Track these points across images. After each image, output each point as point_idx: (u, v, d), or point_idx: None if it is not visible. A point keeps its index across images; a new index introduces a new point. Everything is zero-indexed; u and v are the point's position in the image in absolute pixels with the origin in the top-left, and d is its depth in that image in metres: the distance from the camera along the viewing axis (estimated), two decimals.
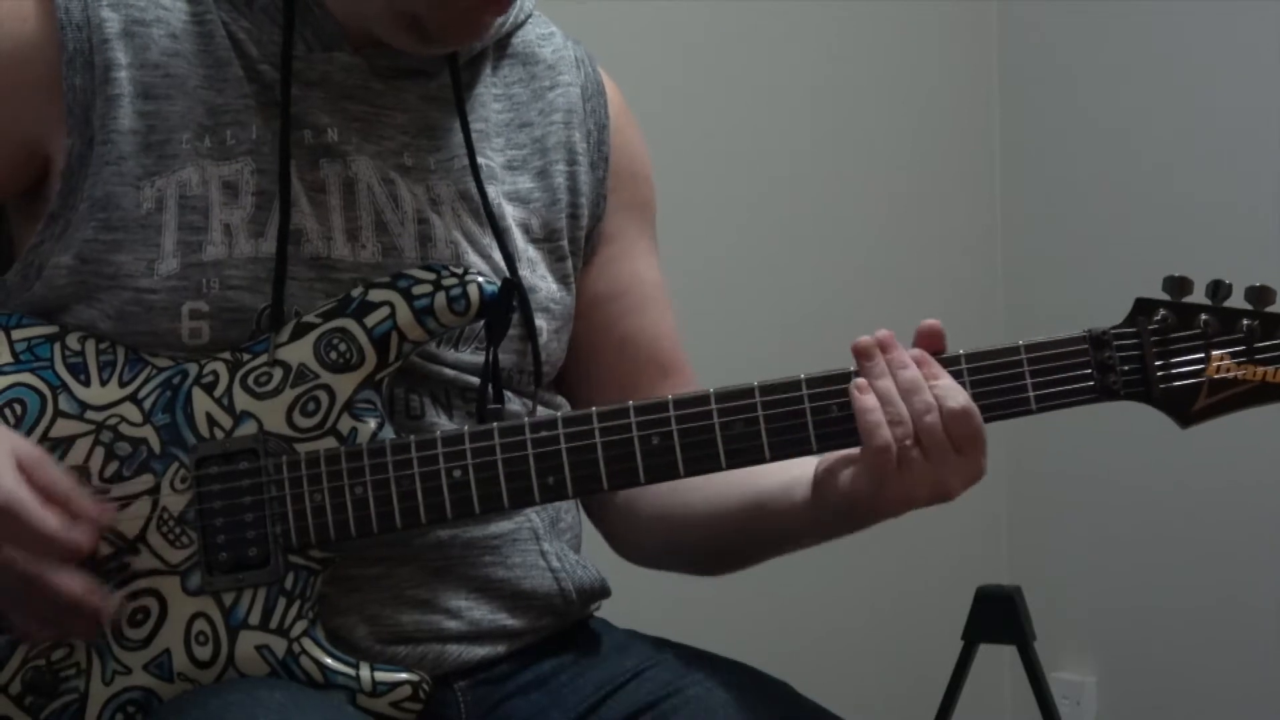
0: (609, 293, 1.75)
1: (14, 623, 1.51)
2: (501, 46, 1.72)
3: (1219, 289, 1.51)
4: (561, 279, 1.70)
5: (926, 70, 3.34)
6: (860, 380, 1.52)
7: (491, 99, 1.70)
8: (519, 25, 1.74)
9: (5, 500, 1.44)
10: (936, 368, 1.52)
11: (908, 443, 1.49)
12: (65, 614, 1.48)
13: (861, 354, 1.53)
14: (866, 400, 1.50)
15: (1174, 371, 1.52)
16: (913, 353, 1.53)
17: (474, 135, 1.66)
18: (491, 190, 1.65)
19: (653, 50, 2.96)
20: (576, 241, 1.72)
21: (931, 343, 1.55)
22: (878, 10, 3.26)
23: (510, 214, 1.68)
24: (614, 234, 1.76)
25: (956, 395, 1.51)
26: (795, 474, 1.59)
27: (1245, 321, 1.51)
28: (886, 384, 1.51)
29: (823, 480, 1.55)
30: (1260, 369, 1.51)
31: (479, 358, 1.63)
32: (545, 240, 1.70)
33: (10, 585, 1.47)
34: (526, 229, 1.69)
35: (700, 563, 1.77)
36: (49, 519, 1.45)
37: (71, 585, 1.47)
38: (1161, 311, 1.52)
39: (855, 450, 1.52)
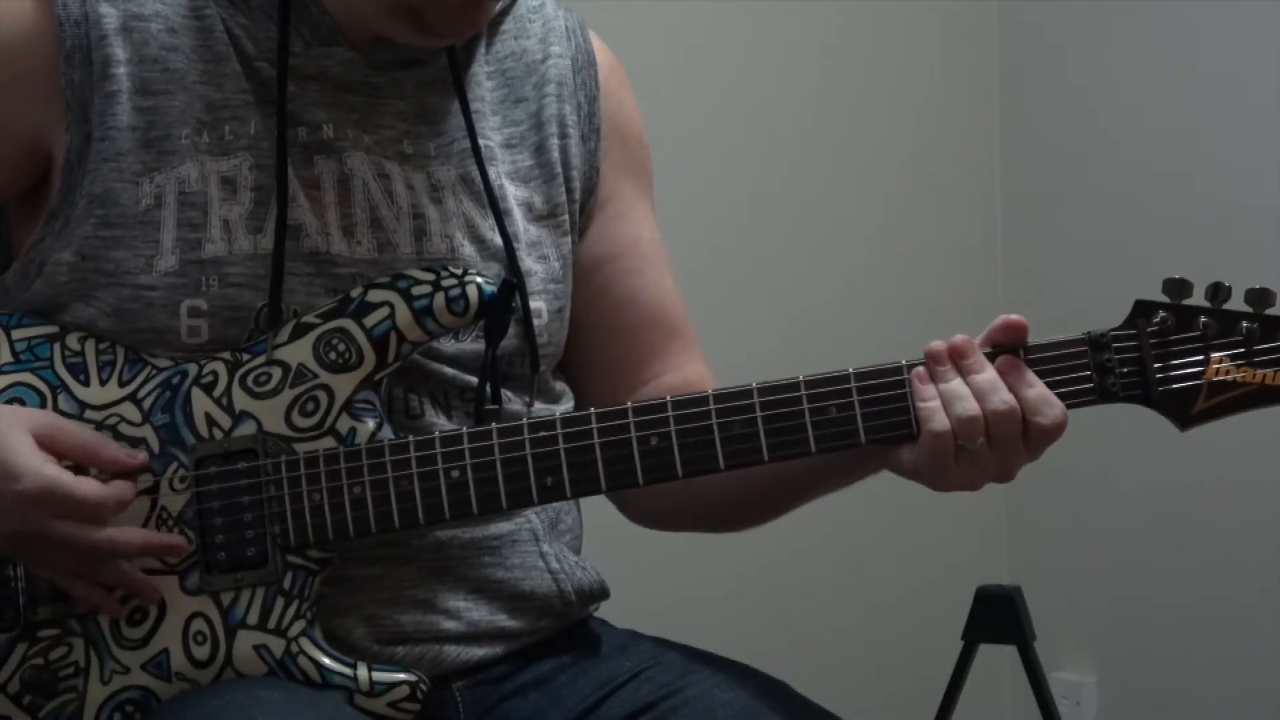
0: (607, 254, 1.75)
1: (83, 596, 1.53)
2: (494, 23, 1.72)
3: (1219, 291, 1.51)
4: (564, 256, 1.70)
5: (926, 70, 3.33)
6: (920, 370, 1.51)
7: (485, 77, 1.70)
8: (511, 1, 1.73)
9: (38, 484, 1.47)
10: (1027, 375, 1.51)
11: (980, 440, 1.48)
12: (130, 573, 1.52)
13: (932, 358, 1.51)
14: (924, 390, 1.50)
15: (1173, 374, 1.52)
16: (1003, 361, 1.51)
17: (472, 116, 1.66)
18: (492, 171, 1.66)
19: (652, 50, 2.95)
20: (573, 216, 1.72)
21: (1011, 335, 1.53)
22: (877, 10, 3.26)
23: (512, 194, 1.68)
24: (609, 196, 1.76)
25: (1052, 408, 1.49)
26: None
27: (1245, 324, 1.51)
28: (955, 385, 1.50)
29: (876, 459, 1.55)
30: (1260, 372, 1.51)
31: (479, 346, 1.63)
32: (549, 216, 1.70)
33: (72, 561, 1.50)
34: (529, 207, 1.69)
35: (725, 518, 1.76)
36: (87, 484, 1.49)
37: (133, 535, 1.51)
38: (1161, 314, 1.52)
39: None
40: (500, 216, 1.64)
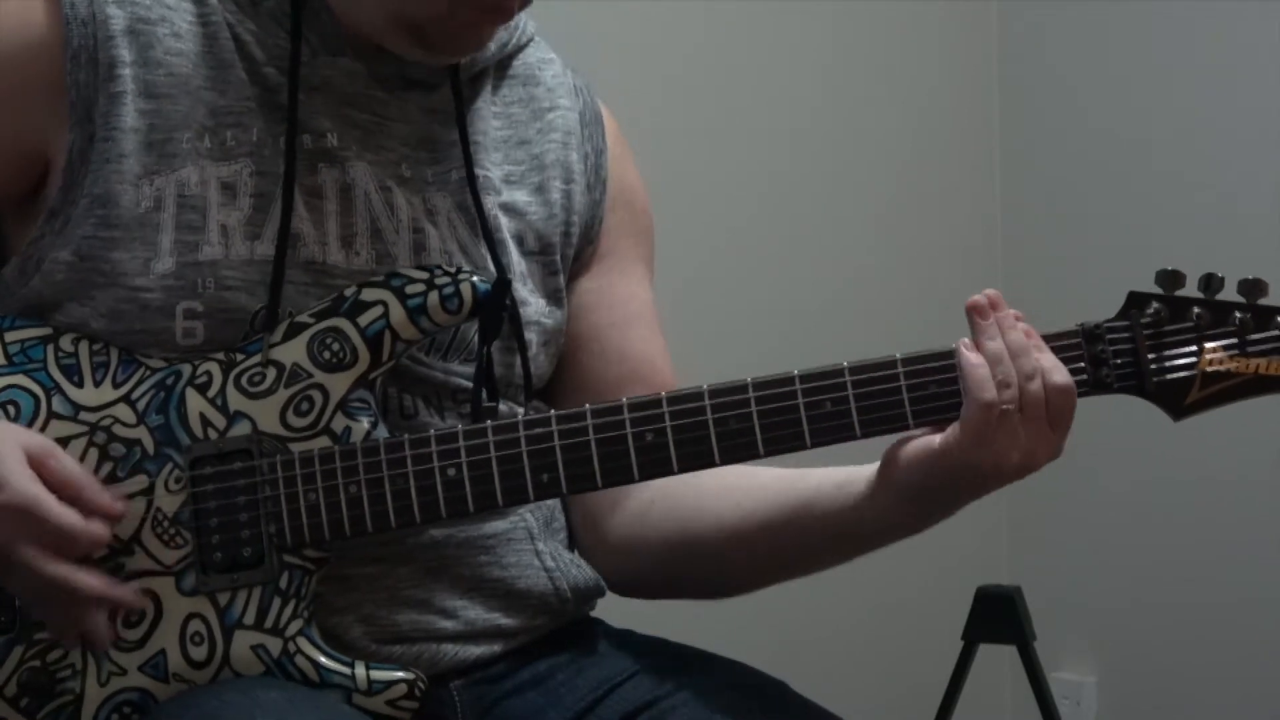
0: (597, 304, 1.75)
1: (44, 619, 1.52)
2: (502, 67, 1.73)
3: (1211, 282, 1.52)
4: (551, 294, 1.70)
5: (926, 70, 3.33)
6: (966, 339, 1.50)
7: (491, 116, 1.71)
8: (520, 48, 1.74)
9: (22, 500, 1.45)
10: (1039, 339, 1.52)
11: (1010, 406, 1.48)
12: (86, 613, 1.50)
13: (976, 311, 1.51)
14: (973, 357, 1.49)
15: (1167, 364, 1.52)
16: (1020, 323, 1.52)
17: (472, 148, 1.66)
18: (488, 201, 1.65)
19: (652, 49, 2.96)
20: (566, 259, 1.72)
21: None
22: (877, 10, 3.26)
23: (505, 225, 1.68)
24: (608, 251, 1.76)
25: (1061, 369, 1.50)
26: (848, 472, 1.58)
27: (1237, 314, 1.51)
28: (997, 345, 1.50)
29: (901, 458, 1.52)
30: (1253, 361, 1.51)
31: (467, 368, 1.63)
32: (539, 253, 1.70)
33: (31, 586, 1.49)
34: (521, 240, 1.69)
35: (726, 582, 1.74)
36: (67, 515, 1.47)
37: (93, 582, 1.49)
38: (1154, 305, 1.52)
39: (933, 430, 1.51)
40: (495, 246, 1.64)
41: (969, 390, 1.49)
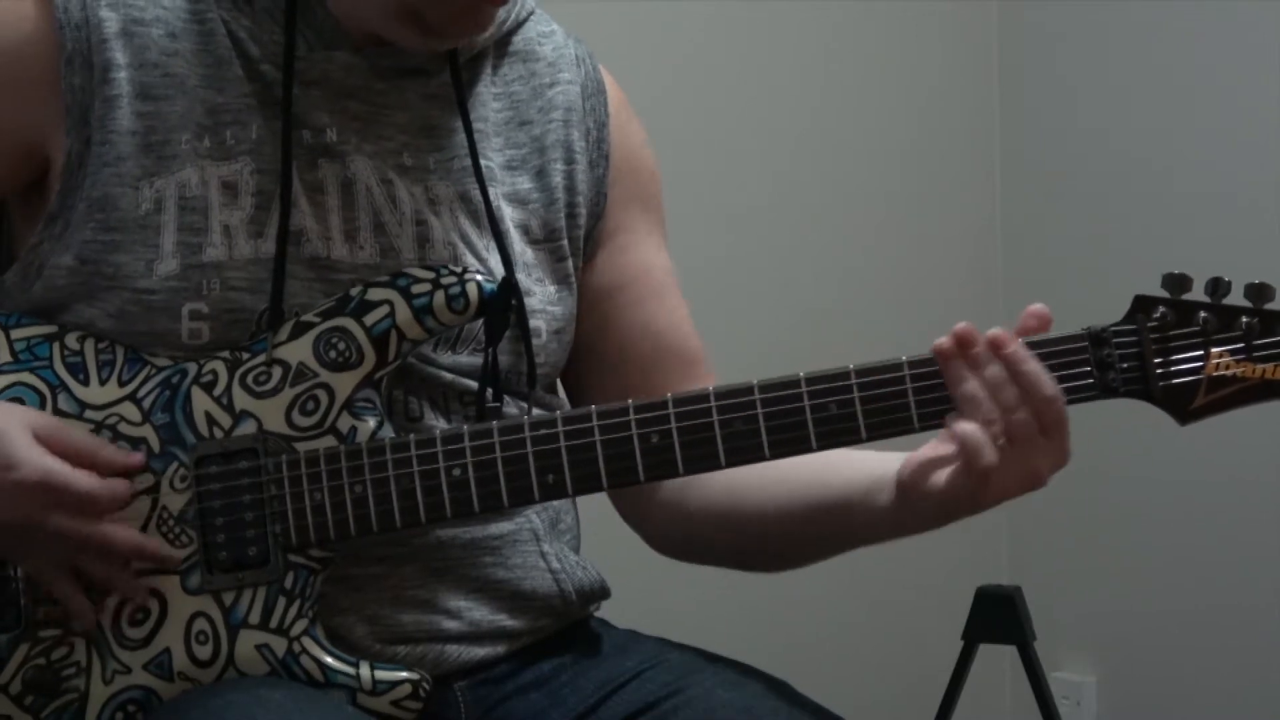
0: (617, 283, 1.74)
1: (66, 596, 1.53)
2: (502, 45, 1.72)
3: (1218, 286, 1.51)
4: (561, 280, 1.70)
5: (926, 70, 3.34)
6: (952, 414, 1.47)
7: (491, 98, 1.70)
8: (520, 23, 1.73)
9: (36, 473, 1.47)
10: (1019, 351, 1.47)
11: (1000, 442, 1.46)
12: (119, 571, 1.52)
13: (944, 356, 1.48)
14: (966, 427, 1.46)
15: (1173, 369, 1.51)
16: (993, 334, 1.48)
17: (475, 135, 1.65)
18: (491, 191, 1.65)
19: (653, 49, 2.96)
20: (575, 241, 1.72)
21: (1040, 327, 1.51)
22: (878, 10, 3.26)
23: (509, 215, 1.67)
24: (618, 228, 1.75)
25: (1043, 383, 1.47)
26: (876, 474, 1.55)
27: (1244, 319, 1.50)
28: (972, 387, 1.47)
29: (912, 485, 1.50)
30: (1259, 366, 1.50)
31: (476, 359, 1.63)
32: (545, 241, 1.69)
33: (62, 555, 1.50)
34: (526, 230, 1.68)
35: (756, 561, 1.75)
36: (83, 479, 1.49)
37: (127, 535, 1.51)
38: (1160, 309, 1.52)
39: (943, 451, 1.49)
40: (499, 236, 1.64)
41: (968, 457, 1.46)
